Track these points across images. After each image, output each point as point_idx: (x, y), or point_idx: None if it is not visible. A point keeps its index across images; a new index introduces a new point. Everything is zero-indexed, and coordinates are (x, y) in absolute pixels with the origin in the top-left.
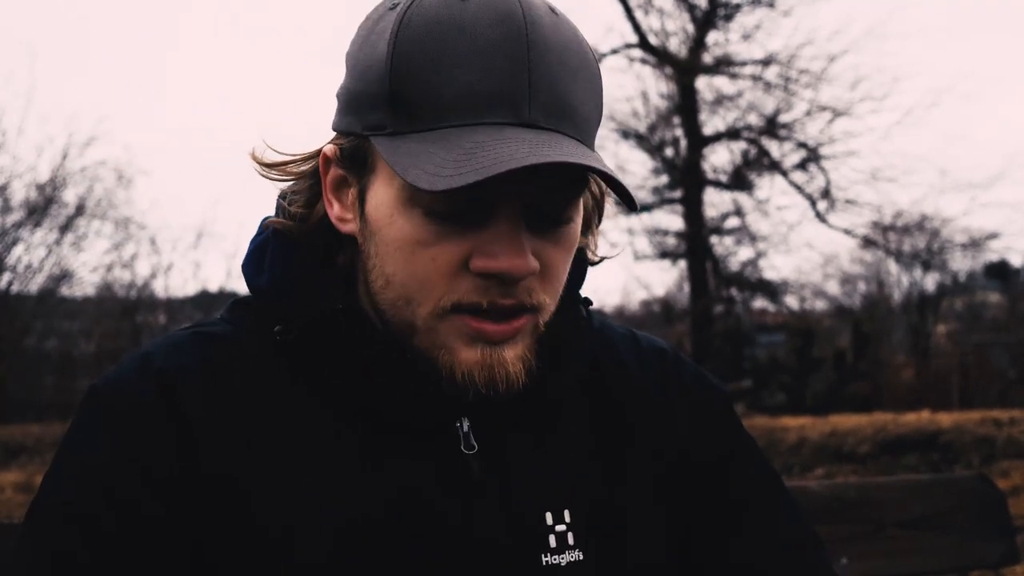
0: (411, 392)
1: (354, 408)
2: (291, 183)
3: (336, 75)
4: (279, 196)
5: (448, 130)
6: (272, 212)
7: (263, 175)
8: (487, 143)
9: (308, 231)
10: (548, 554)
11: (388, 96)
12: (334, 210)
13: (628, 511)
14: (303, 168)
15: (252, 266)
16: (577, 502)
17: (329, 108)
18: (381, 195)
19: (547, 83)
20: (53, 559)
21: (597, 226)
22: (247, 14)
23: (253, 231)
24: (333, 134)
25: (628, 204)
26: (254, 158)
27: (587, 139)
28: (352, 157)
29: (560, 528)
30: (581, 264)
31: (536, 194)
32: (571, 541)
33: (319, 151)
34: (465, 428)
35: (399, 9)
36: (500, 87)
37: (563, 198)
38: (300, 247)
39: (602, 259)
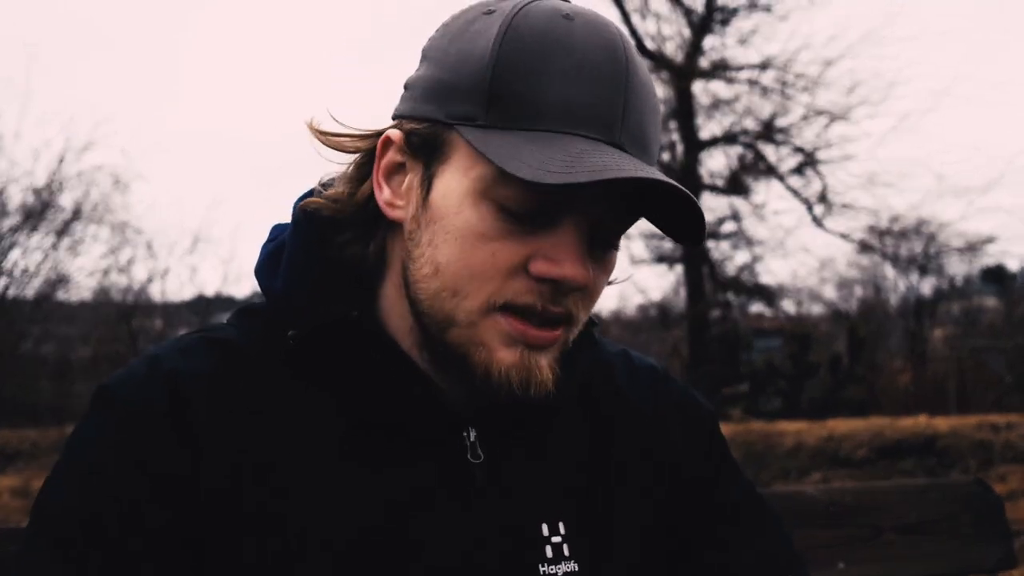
0: (419, 402)
1: (360, 417)
2: (331, 174)
3: (333, 77)
4: (319, 183)
5: (544, 133)
6: (270, 219)
7: (321, 140)
8: (589, 152)
9: (344, 212)
10: (545, 564)
11: (487, 91)
12: (383, 194)
13: (620, 523)
14: (359, 145)
15: (266, 271)
16: (571, 513)
17: (325, 111)
18: (452, 184)
19: (636, 113)
20: (57, 559)
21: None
22: (245, 18)
23: (250, 235)
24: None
25: (695, 238)
26: (311, 127)
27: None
28: (423, 144)
29: (556, 539)
30: None
31: (602, 214)
32: (566, 552)
33: (378, 132)
34: (472, 438)
35: (505, 15)
36: (598, 105)
37: (620, 224)
38: (320, 247)
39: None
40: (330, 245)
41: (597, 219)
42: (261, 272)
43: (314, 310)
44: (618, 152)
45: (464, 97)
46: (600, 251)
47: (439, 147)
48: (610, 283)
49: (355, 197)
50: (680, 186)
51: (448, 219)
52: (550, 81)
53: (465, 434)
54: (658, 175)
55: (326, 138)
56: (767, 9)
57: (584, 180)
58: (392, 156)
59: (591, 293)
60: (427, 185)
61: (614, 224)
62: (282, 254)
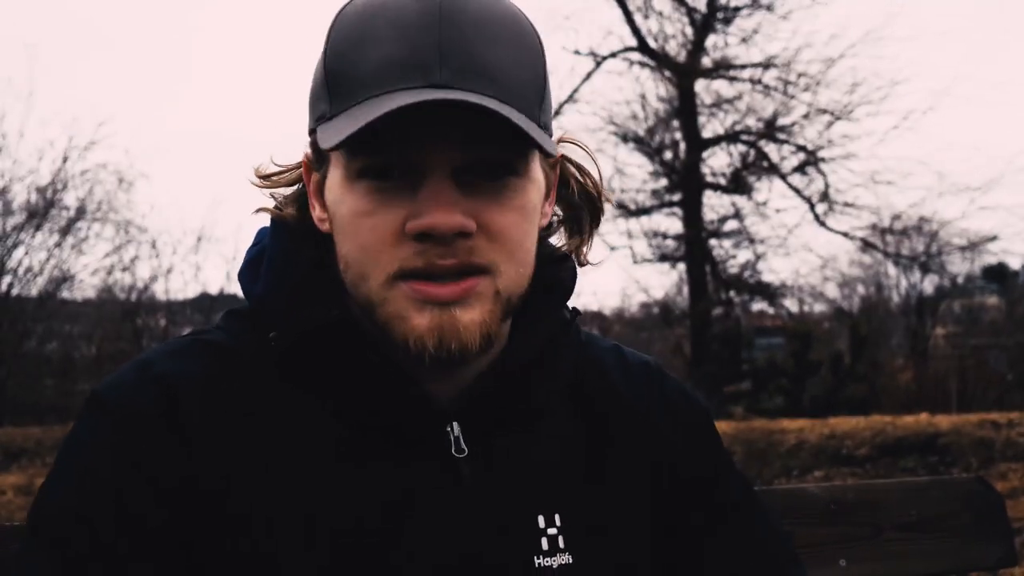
0: (401, 399)
1: (350, 418)
2: (286, 195)
3: None
4: (275, 205)
5: (366, 101)
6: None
7: (262, 186)
8: (391, 100)
9: (301, 234)
10: (540, 556)
11: (326, 85)
12: (315, 212)
13: (615, 516)
14: (294, 176)
15: (248, 275)
16: (566, 506)
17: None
18: (333, 181)
19: (460, 48)
20: (55, 560)
21: (591, 228)
22: (246, 19)
23: (252, 234)
24: None
25: (544, 153)
26: (256, 172)
27: (518, 103)
28: (316, 156)
29: (552, 531)
30: (571, 270)
31: (463, 155)
32: (562, 544)
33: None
34: (456, 432)
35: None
36: (410, 55)
37: (493, 156)
38: (297, 252)
39: (588, 262)
40: (305, 252)
41: (459, 162)
42: (243, 275)
43: (290, 313)
44: (436, 90)
45: (318, 99)
46: (484, 188)
47: (321, 154)
48: (582, 264)
49: (304, 218)
50: (457, 98)
51: (337, 211)
52: (365, 51)
53: (448, 429)
54: (439, 95)
55: (265, 181)
56: (769, 8)
57: (353, 129)
58: (314, 175)
59: (497, 235)
60: (322, 190)
61: (485, 158)
62: (263, 258)
